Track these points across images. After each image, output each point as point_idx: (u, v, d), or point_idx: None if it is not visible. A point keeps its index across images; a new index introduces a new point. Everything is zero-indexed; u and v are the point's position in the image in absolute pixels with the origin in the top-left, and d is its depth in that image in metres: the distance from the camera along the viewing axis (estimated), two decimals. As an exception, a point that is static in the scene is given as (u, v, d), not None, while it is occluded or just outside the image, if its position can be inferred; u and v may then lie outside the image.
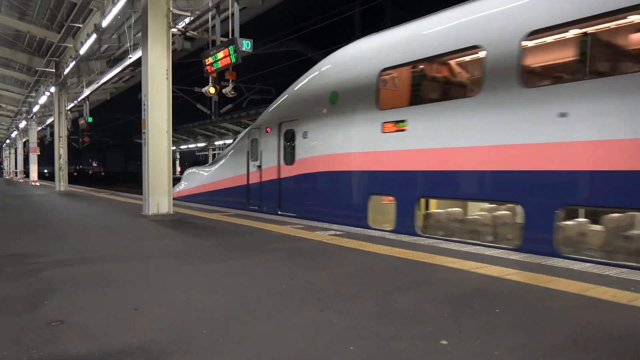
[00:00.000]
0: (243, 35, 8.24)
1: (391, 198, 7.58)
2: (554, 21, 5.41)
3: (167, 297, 3.60)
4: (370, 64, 7.89)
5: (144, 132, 9.26)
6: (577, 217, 6.12)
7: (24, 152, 43.22)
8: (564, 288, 3.76)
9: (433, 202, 7.76)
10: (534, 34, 5.65)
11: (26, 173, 42.85)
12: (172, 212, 9.40)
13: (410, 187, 7.18)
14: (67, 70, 17.90)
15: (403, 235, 6.66)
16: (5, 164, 61.39)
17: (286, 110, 10.10)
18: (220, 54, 8.29)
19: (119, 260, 5.06)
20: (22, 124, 34.54)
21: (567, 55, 6.02)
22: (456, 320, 3.02)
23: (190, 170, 15.75)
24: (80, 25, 15.35)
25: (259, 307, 3.33)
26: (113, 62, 18.51)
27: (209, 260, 5.04)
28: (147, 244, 6.17)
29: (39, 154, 33.59)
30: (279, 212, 10.02)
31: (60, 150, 20.91)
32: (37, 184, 30.95)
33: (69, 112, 22.08)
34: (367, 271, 4.47)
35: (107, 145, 74.93)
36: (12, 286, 3.93)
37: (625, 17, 5.15)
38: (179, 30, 9.50)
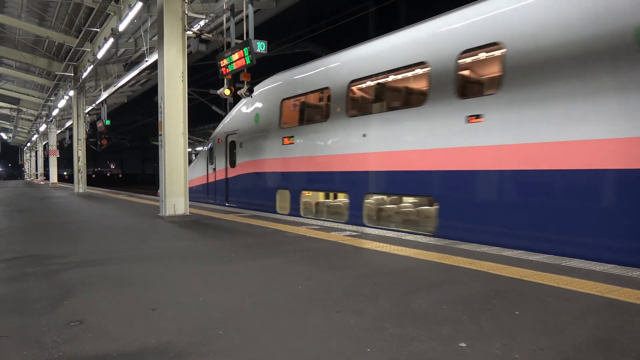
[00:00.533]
0: (258, 37, 8.27)
1: (287, 191, 10.58)
2: (362, 74, 8.57)
3: (184, 298, 3.62)
4: (276, 95, 11.10)
5: (161, 134, 9.35)
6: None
7: (44, 154, 44.10)
8: (586, 290, 3.68)
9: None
10: (353, 82, 8.74)
11: (46, 175, 43.69)
12: (188, 213, 9.47)
13: (296, 183, 10.28)
14: (85, 74, 18.22)
15: (419, 236, 6.64)
16: (26, 166, 62.73)
17: (230, 126, 13.37)
18: (235, 56, 8.34)
19: (136, 261, 5.11)
20: (42, 127, 35.23)
21: (368, 96, 9.22)
22: (475, 322, 2.97)
23: None
24: (98, 30, 15.59)
25: (276, 308, 3.32)
26: (130, 66, 18.79)
27: (226, 261, 5.06)
28: (164, 245, 6.23)
29: (58, 156, 34.23)
30: (227, 204, 13.13)
31: (79, 153, 21.28)
32: (57, 185, 31.51)
33: (87, 115, 22.49)
34: (384, 272, 4.44)
35: (124, 148, 76.06)
36: (32, 286, 3.99)
37: (390, 76, 8.24)
38: (194, 32, 9.57)
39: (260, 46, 8.18)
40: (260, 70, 10.77)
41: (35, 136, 42.91)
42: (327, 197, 10.79)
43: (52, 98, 26.63)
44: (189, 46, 9.52)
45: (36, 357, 2.47)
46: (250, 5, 8.56)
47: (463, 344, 2.61)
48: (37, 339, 2.74)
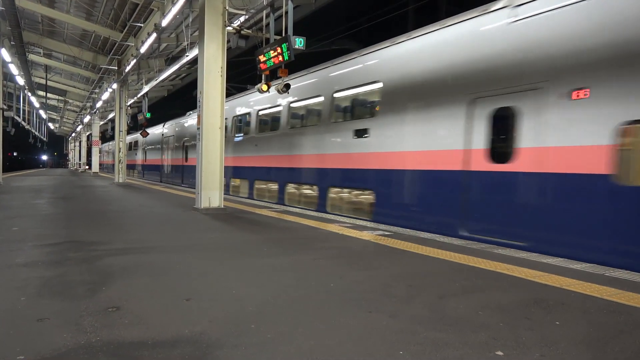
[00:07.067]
0: (296, 33, 8.28)
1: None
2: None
3: (218, 290, 3.67)
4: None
5: (199, 128, 9.51)
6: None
7: (87, 145, 45.83)
8: (633, 303, 3.50)
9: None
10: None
11: (88, 165, 45.39)
12: (222, 207, 9.61)
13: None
14: (128, 68, 18.74)
15: (454, 239, 6.49)
16: (70, 155, 65.34)
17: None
18: (274, 52, 8.37)
19: (172, 251, 5.22)
20: (86, 119, 36.57)
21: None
22: (512, 331, 2.87)
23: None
24: (142, 25, 16.02)
25: (307, 305, 3.31)
26: (171, 60, 19.21)
27: (259, 255, 5.09)
28: (199, 237, 6.33)
29: (100, 147, 35.39)
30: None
31: (120, 144, 21.94)
32: (98, 175, 32.63)
33: (129, 108, 23.16)
34: (417, 274, 4.36)
35: (163, 140, 77.81)
36: (74, 271, 4.14)
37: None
38: (234, 28, 9.68)
39: (299, 42, 8.18)
40: (299, 66, 10.75)
41: (80, 127, 44.62)
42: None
43: (97, 90, 27.60)
44: (228, 42, 9.64)
45: (75, 341, 2.55)
46: (289, 1, 8.57)
47: (500, 353, 2.52)
48: (77, 322, 2.82)
